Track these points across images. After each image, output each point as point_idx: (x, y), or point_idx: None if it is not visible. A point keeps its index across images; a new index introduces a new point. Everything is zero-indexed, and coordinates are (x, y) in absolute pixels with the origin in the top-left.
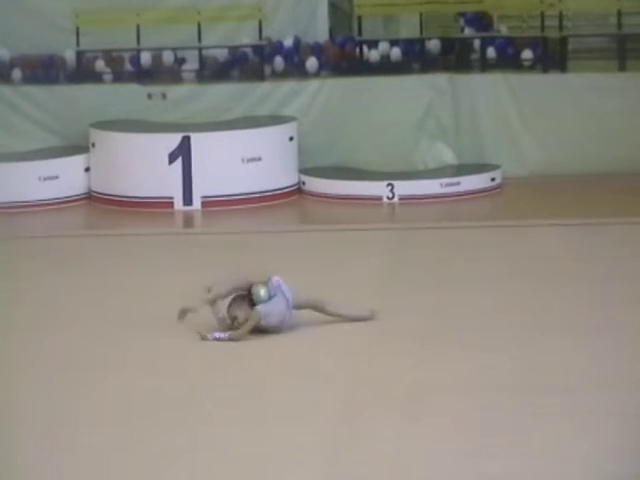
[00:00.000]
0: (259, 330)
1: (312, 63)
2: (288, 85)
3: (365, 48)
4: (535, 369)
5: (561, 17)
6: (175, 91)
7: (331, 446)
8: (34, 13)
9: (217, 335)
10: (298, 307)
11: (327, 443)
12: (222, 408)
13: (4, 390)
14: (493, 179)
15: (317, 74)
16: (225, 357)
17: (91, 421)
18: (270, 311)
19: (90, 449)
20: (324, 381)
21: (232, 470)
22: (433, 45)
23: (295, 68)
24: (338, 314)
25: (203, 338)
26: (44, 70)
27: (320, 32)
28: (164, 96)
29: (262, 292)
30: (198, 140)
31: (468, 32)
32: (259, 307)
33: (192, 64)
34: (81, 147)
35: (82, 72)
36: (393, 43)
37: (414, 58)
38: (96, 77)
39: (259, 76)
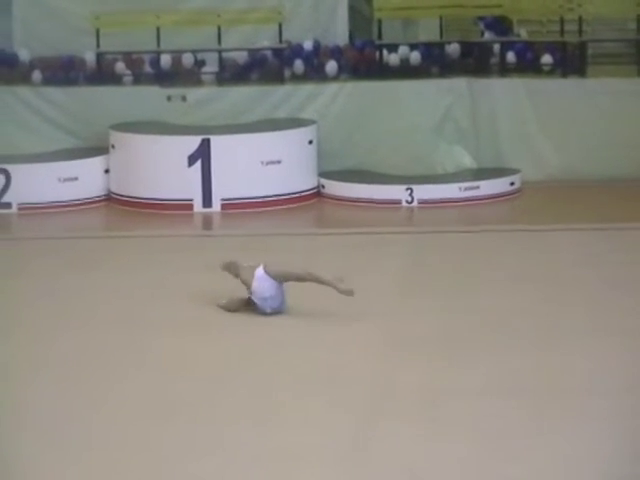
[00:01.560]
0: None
1: (332, 66)
2: (307, 88)
3: (385, 52)
4: (553, 373)
5: (580, 22)
6: (195, 93)
7: (348, 451)
8: (54, 15)
9: None
10: (285, 280)
11: (344, 448)
12: (238, 412)
13: (20, 389)
14: (512, 183)
15: (336, 77)
16: (241, 360)
17: (107, 421)
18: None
19: (105, 449)
20: (341, 386)
21: (249, 476)
22: (452, 49)
23: (314, 71)
24: (320, 280)
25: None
26: (64, 72)
27: (340, 35)
28: (184, 98)
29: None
30: (218, 142)
31: (488, 36)
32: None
33: (212, 66)
34: (101, 149)
35: (102, 74)
36: (413, 47)
37: (433, 62)
38: (116, 79)
39: (279, 79)
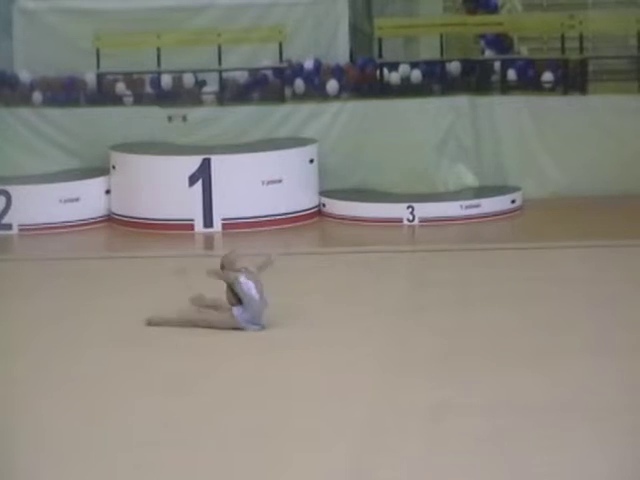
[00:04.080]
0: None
1: (332, 85)
2: (308, 107)
3: (385, 70)
4: (556, 390)
5: (581, 39)
6: (195, 113)
7: (353, 468)
8: (55, 35)
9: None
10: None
11: (349, 465)
12: (242, 433)
13: (23, 410)
14: (513, 201)
15: (337, 96)
16: (243, 379)
17: (116, 443)
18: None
19: (119, 469)
20: (342, 403)
21: None
22: (454, 67)
23: (315, 90)
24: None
25: None
26: (65, 92)
27: (340, 54)
28: (184, 118)
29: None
30: (218, 162)
31: (488, 54)
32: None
33: (212, 86)
34: (101, 169)
35: (103, 94)
36: (413, 65)
37: (435, 80)
38: (117, 99)
39: (279, 98)
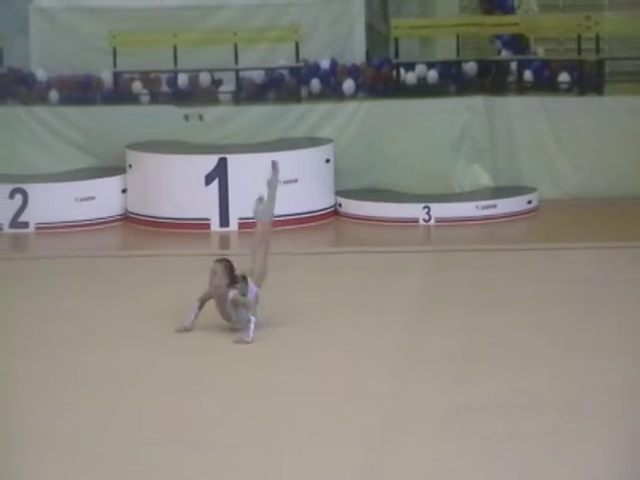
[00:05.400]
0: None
1: (349, 85)
2: (324, 107)
3: (402, 70)
4: (571, 390)
5: (598, 40)
6: (212, 112)
7: (365, 468)
8: (71, 34)
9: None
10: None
11: (361, 465)
12: (258, 433)
13: (39, 407)
14: (529, 202)
15: (353, 96)
16: (258, 378)
17: (130, 440)
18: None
19: (127, 469)
20: (356, 402)
21: None
22: (470, 67)
23: (331, 90)
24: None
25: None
26: (81, 91)
27: (357, 54)
28: (201, 117)
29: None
30: (235, 162)
31: (505, 54)
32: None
33: (229, 85)
34: (118, 168)
35: (119, 93)
36: (430, 65)
37: (450, 80)
38: (133, 98)
39: (295, 98)
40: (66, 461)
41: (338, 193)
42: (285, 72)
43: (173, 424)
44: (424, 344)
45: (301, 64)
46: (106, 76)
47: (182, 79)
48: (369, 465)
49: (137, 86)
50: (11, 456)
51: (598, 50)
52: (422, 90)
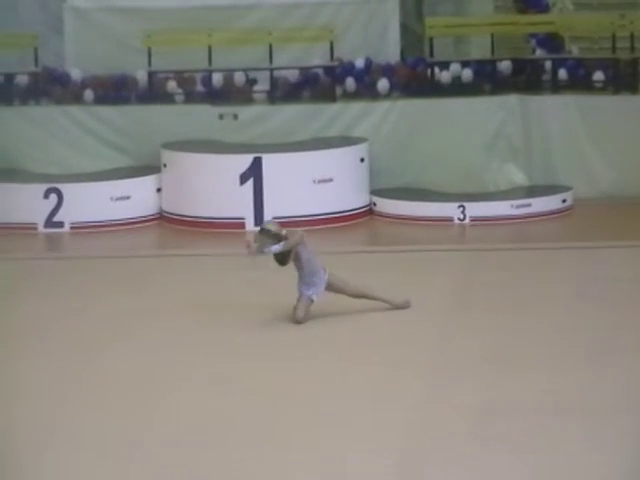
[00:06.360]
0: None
1: (383, 84)
2: (359, 106)
3: (436, 69)
4: (605, 390)
5: (632, 38)
6: (246, 112)
7: (398, 468)
8: (106, 34)
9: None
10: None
11: (394, 464)
12: (287, 432)
13: (70, 408)
14: (564, 200)
15: (388, 95)
16: (291, 378)
17: (157, 438)
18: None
19: (159, 467)
20: (391, 403)
21: None
22: (504, 66)
23: (366, 89)
24: (375, 297)
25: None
26: (116, 90)
27: (391, 53)
28: (235, 117)
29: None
30: (269, 161)
31: (539, 53)
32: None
33: (263, 85)
34: (153, 167)
35: (154, 92)
36: (464, 64)
37: (485, 79)
38: (168, 97)
39: (330, 97)
40: (98, 464)
41: (373, 192)
42: (320, 71)
43: (212, 423)
44: (458, 343)
45: (336, 63)
46: (141, 75)
47: (217, 78)
48: (402, 466)
49: (172, 85)
50: (44, 454)
51: (633, 48)
52: (457, 89)
